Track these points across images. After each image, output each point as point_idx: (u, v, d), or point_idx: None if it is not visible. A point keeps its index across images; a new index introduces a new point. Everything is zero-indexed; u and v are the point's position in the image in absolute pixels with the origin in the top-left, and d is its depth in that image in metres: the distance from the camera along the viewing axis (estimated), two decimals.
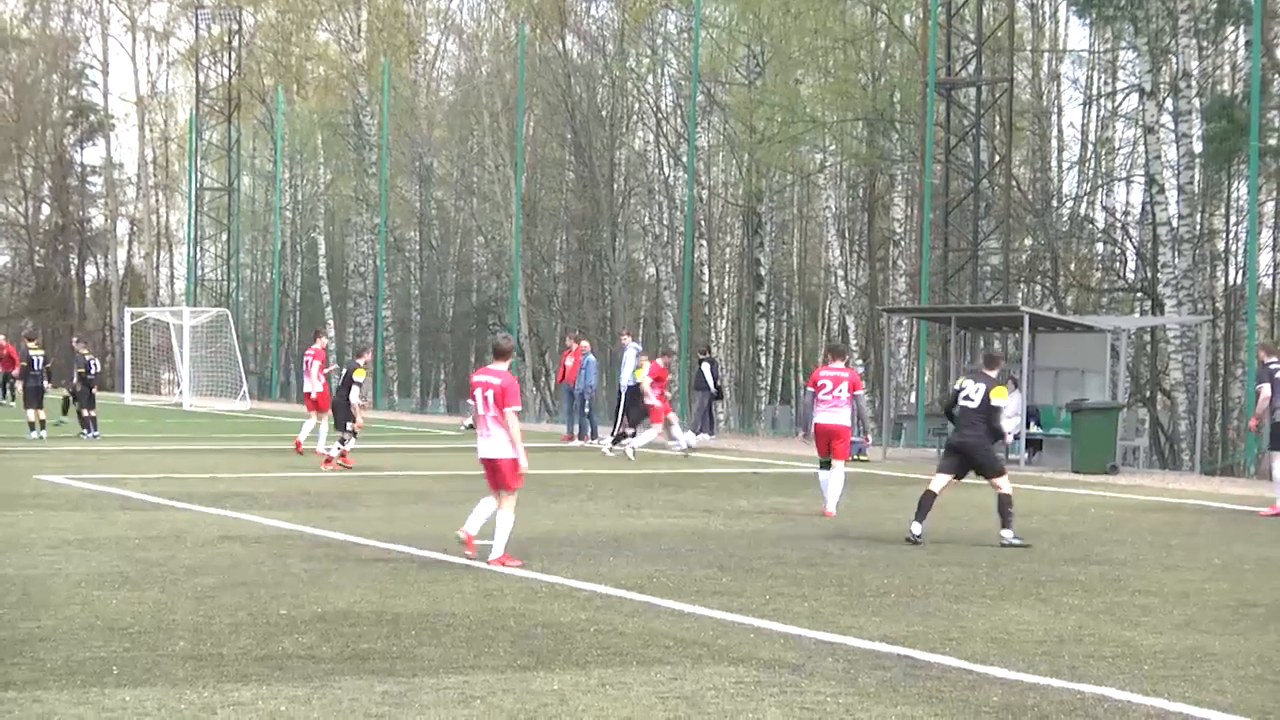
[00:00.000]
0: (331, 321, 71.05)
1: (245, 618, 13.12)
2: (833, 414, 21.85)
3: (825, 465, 22.08)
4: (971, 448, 19.17)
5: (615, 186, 61.16)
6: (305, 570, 15.90)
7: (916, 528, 19.01)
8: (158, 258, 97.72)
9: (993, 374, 19.54)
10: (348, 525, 19.80)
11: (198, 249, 78.48)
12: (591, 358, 40.17)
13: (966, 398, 19.28)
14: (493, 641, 12.24)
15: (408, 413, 59.61)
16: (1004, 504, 18.97)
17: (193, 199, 77.76)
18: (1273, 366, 24.31)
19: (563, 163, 65.14)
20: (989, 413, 19.12)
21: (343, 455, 29.03)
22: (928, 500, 19.11)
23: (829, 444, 21.93)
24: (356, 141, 69.88)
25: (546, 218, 63.83)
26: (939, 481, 19.27)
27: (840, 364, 22.51)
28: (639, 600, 14.33)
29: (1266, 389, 24.22)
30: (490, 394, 16.34)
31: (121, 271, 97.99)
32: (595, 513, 22.25)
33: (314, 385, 31.40)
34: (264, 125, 77.39)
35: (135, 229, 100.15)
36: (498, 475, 16.46)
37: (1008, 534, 18.89)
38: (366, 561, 16.72)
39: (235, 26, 78.73)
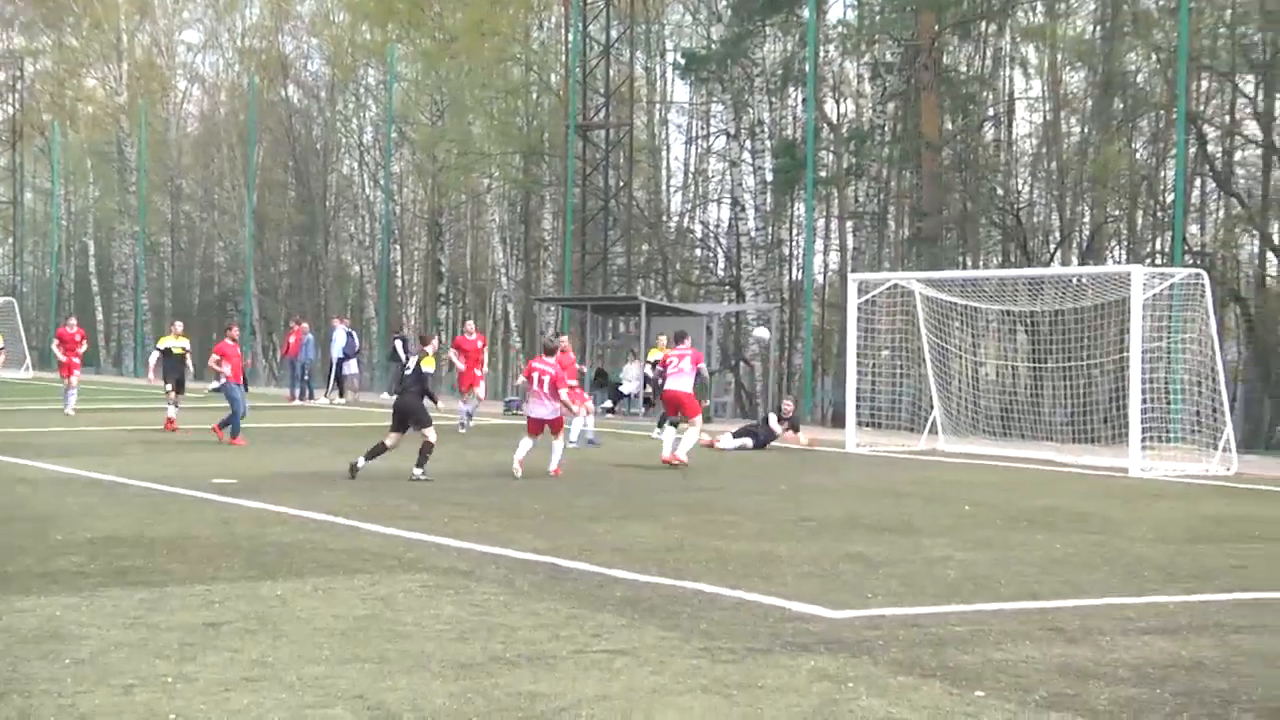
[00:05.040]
0: (100, 307, 68.65)
1: (28, 543, 12.63)
2: (681, 381, 21.90)
3: (667, 422, 22.67)
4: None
5: (328, 203, 60.47)
6: (78, 504, 15.37)
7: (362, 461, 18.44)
8: None
9: (427, 348, 19.38)
10: (116, 469, 19.19)
11: None
12: (310, 337, 39.61)
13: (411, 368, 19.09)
14: (230, 558, 11.98)
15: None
16: (426, 450, 18.49)
17: None
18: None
19: (286, 184, 64.04)
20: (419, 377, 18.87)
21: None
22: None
23: (677, 408, 22.11)
24: (119, 166, 67.57)
25: (273, 227, 62.63)
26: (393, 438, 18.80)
27: (684, 345, 22.45)
28: (346, 524, 14.16)
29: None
30: (546, 378, 19.25)
31: None
32: (313, 457, 21.92)
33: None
34: (43, 152, 74.41)
35: None
36: (541, 425, 19.27)
37: (419, 472, 18.34)
38: (129, 497, 16.23)
39: (18, 73, 76.19)
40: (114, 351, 66.61)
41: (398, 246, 54.93)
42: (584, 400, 25.24)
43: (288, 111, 61.95)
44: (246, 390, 25.44)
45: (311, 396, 38.44)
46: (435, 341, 20.19)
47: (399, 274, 55.88)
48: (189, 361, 27.67)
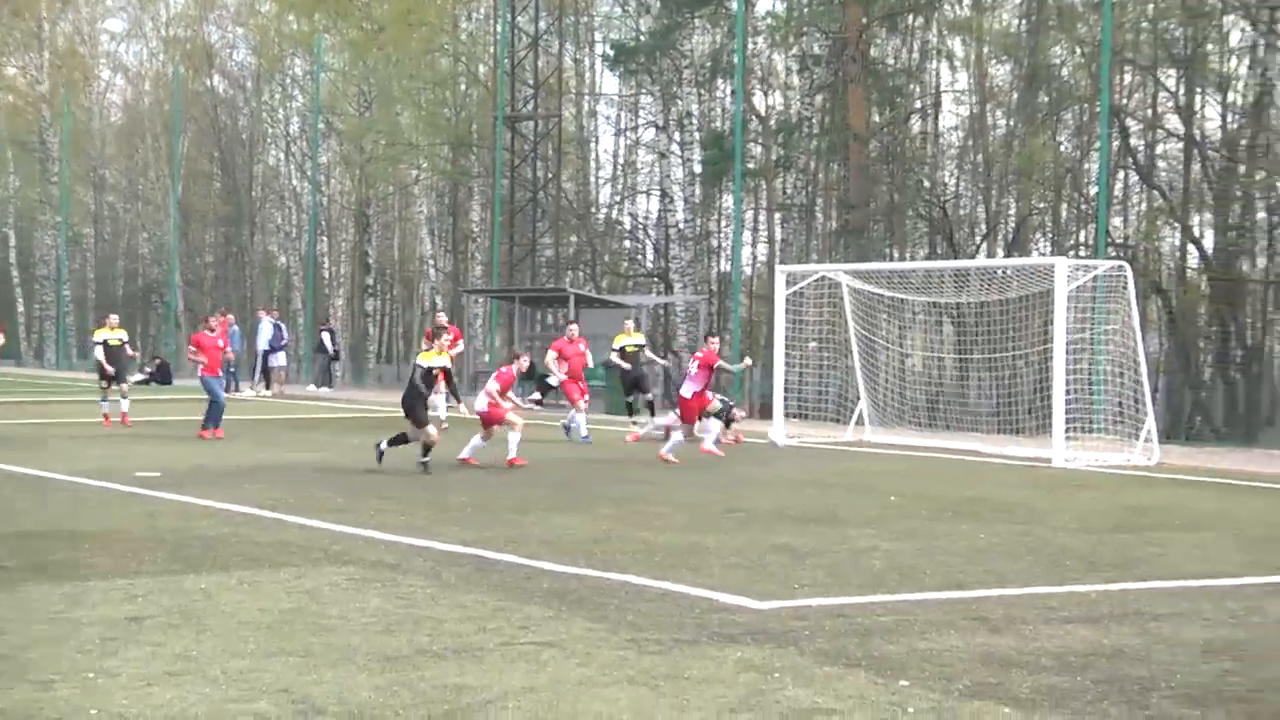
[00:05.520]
0: (21, 299, 67.79)
1: None
2: (685, 387, 22.24)
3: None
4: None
5: (254, 194, 60.08)
6: None
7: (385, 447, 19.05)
8: None
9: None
10: (38, 462, 18.96)
11: None
12: (235, 328, 39.29)
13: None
14: (153, 552, 11.87)
15: (86, 372, 57.15)
16: (402, 440, 19.02)
17: None
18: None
19: (211, 175, 63.54)
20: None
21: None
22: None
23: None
24: (41, 156, 66.67)
25: (198, 218, 62.10)
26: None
27: (700, 350, 22.85)
28: (272, 517, 14.07)
29: None
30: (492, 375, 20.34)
31: None
32: (239, 450, 21.76)
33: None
34: None
35: None
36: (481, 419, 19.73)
37: (383, 445, 18.98)
38: (51, 490, 16.05)
39: None
40: (35, 344, 65.81)
41: (325, 238, 54.62)
42: (585, 393, 25.77)
43: (213, 101, 61.48)
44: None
45: (237, 389, 38.17)
46: (440, 340, 20.34)
47: (326, 265, 55.57)
48: (128, 351, 27.62)
